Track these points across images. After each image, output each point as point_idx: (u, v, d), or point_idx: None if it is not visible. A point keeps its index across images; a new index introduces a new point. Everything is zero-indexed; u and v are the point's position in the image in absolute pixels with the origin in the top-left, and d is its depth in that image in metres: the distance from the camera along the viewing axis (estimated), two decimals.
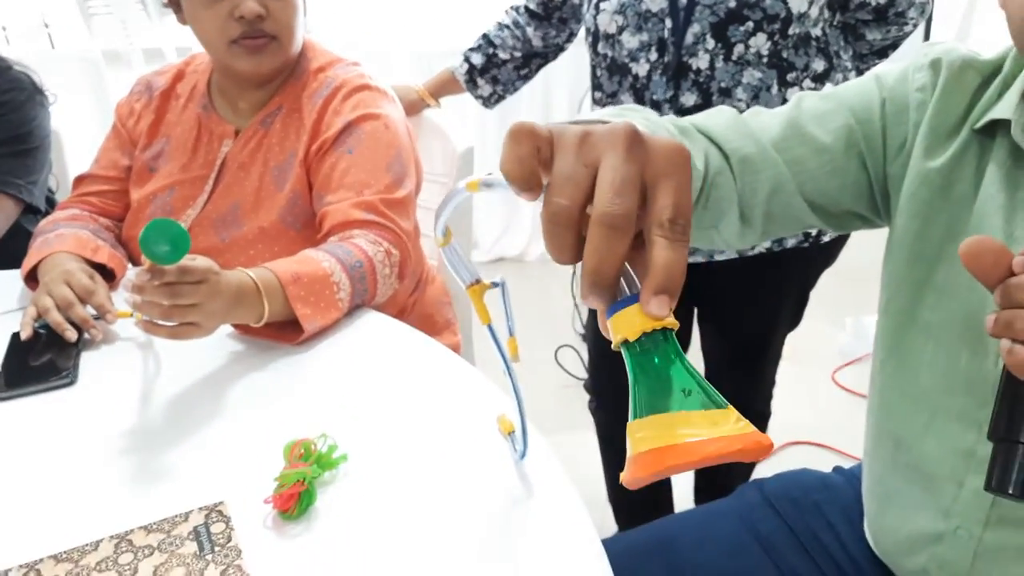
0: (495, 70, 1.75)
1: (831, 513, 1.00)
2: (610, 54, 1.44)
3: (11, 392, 1.01)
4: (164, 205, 1.35)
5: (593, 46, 1.48)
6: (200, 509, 0.77)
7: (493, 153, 3.21)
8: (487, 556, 0.72)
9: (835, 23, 1.40)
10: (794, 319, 1.66)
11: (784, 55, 1.35)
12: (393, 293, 1.26)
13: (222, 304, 0.98)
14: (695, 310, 1.67)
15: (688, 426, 0.39)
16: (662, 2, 1.34)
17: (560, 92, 3.17)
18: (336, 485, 0.81)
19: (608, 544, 0.95)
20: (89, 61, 2.66)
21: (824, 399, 2.53)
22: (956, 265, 0.56)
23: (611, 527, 1.90)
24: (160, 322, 0.96)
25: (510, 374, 0.73)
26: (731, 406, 0.40)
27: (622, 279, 0.42)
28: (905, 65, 0.82)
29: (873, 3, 1.38)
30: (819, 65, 1.39)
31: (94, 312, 1.14)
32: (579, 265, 0.41)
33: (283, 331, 1.08)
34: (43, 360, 1.07)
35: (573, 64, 2.62)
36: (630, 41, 1.39)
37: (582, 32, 1.56)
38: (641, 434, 0.40)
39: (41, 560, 0.72)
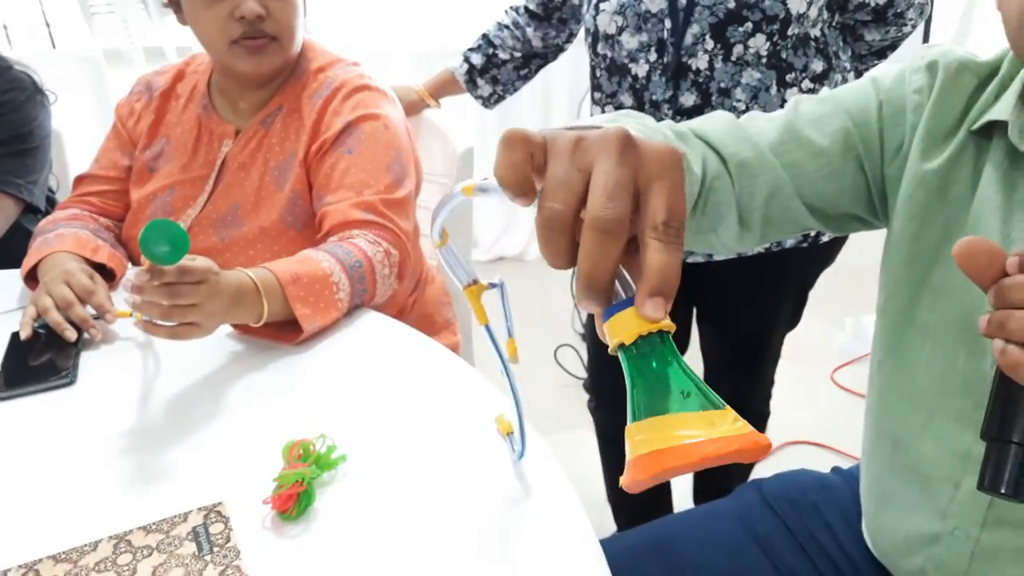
0: (495, 70, 1.75)
1: (829, 514, 1.00)
2: (610, 55, 1.44)
3: (11, 392, 1.01)
4: (164, 205, 1.35)
5: (592, 47, 1.48)
6: (199, 509, 0.78)
7: (493, 154, 3.20)
8: (485, 556, 0.72)
9: (834, 24, 1.41)
10: (793, 319, 1.66)
11: (783, 56, 1.35)
12: (392, 293, 1.26)
13: (221, 304, 0.98)
14: (694, 310, 1.67)
15: (686, 427, 0.39)
16: (661, 3, 1.34)
17: (560, 92, 3.17)
18: (335, 486, 0.81)
19: (607, 544, 0.95)
20: (90, 61, 2.66)
21: (823, 399, 2.53)
22: (953, 266, 0.56)
23: (610, 527, 1.91)
24: (160, 322, 0.96)
25: (508, 375, 0.73)
26: (729, 407, 0.40)
27: (617, 283, 0.42)
28: (902, 67, 0.82)
29: (872, 4, 1.38)
30: (818, 66, 1.39)
31: (94, 312, 1.14)
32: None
33: (282, 331, 1.08)
34: (43, 360, 1.07)
35: (573, 64, 2.62)
36: (629, 42, 1.40)
37: (582, 32, 1.56)
38: (640, 437, 0.40)
39: (40, 560, 0.72)
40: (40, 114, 1.55)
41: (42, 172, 1.57)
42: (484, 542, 0.74)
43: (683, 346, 1.69)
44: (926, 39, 2.56)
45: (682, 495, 1.90)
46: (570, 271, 0.43)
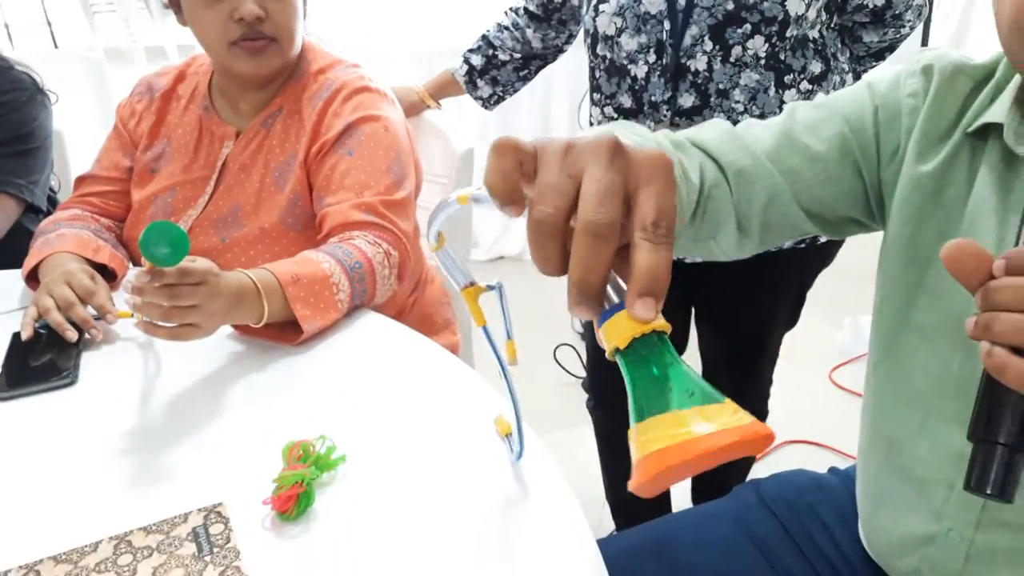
0: (494, 71, 1.75)
1: (826, 514, 1.00)
2: (609, 56, 1.44)
3: (12, 392, 1.01)
4: (165, 206, 1.35)
5: (592, 48, 1.49)
6: (199, 510, 0.78)
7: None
8: (484, 557, 0.73)
9: (832, 25, 1.41)
10: (791, 319, 1.67)
11: (782, 57, 1.35)
12: (392, 294, 1.26)
13: (222, 305, 0.99)
14: (692, 310, 1.68)
15: (688, 424, 0.39)
16: (660, 4, 1.34)
17: (559, 93, 3.18)
18: (334, 486, 0.82)
19: (604, 544, 0.95)
20: (91, 60, 2.66)
21: (822, 398, 2.54)
22: None
23: (609, 526, 1.91)
24: (160, 323, 0.96)
25: (506, 376, 0.73)
26: (729, 399, 0.40)
27: (611, 288, 0.43)
28: (897, 72, 0.83)
29: (870, 6, 1.38)
30: (816, 67, 1.39)
31: (95, 312, 1.14)
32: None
33: (282, 332, 1.09)
34: (44, 360, 1.08)
35: (572, 65, 2.63)
36: (629, 43, 1.40)
37: (581, 34, 1.57)
38: (643, 438, 0.40)
39: (41, 561, 0.72)
40: (41, 114, 1.56)
41: (43, 172, 1.58)
42: (482, 543, 0.75)
43: (682, 346, 1.69)
44: (925, 40, 2.56)
45: (681, 495, 1.91)
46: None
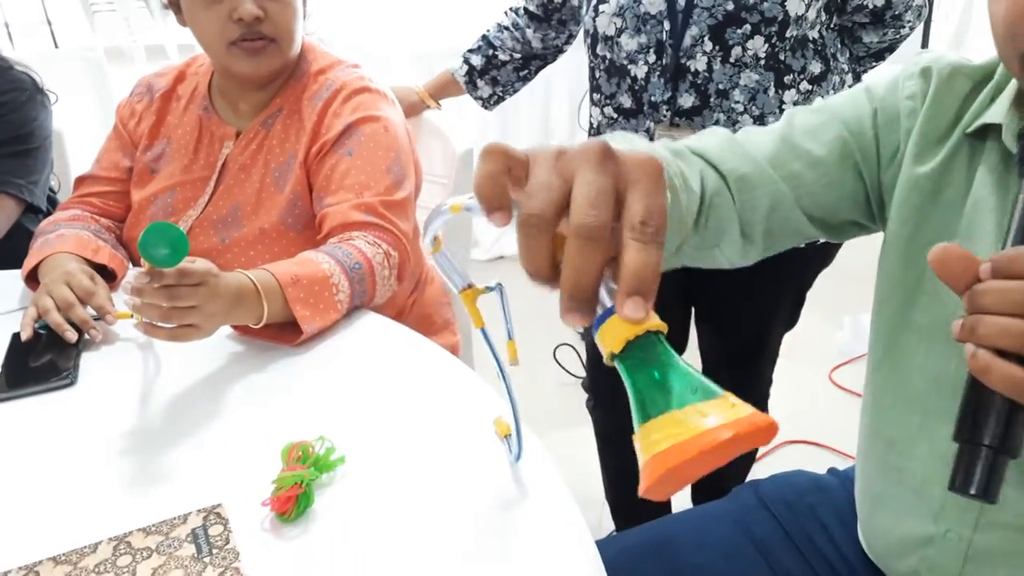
0: (494, 71, 1.75)
1: (825, 515, 1.00)
2: (609, 56, 1.44)
3: (11, 393, 1.02)
4: (165, 206, 1.35)
5: (592, 48, 1.49)
6: (198, 511, 0.78)
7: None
8: (482, 558, 0.73)
9: (832, 26, 1.41)
10: (791, 319, 1.67)
11: (781, 57, 1.35)
12: (392, 294, 1.26)
13: (221, 306, 0.99)
14: (692, 310, 1.68)
15: (689, 422, 0.39)
16: (660, 5, 1.34)
17: (559, 93, 3.17)
18: (334, 487, 0.82)
19: (604, 545, 0.95)
20: (91, 60, 2.66)
21: (821, 398, 2.54)
22: None
23: (608, 526, 1.91)
24: (159, 324, 0.96)
25: (504, 378, 0.73)
26: (727, 393, 0.40)
27: (604, 293, 0.43)
28: (895, 75, 0.83)
29: (870, 6, 1.38)
30: (816, 67, 1.39)
31: (94, 313, 1.14)
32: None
33: (282, 332, 1.09)
34: (43, 361, 1.08)
35: (572, 66, 2.62)
36: (628, 43, 1.40)
37: (581, 34, 1.57)
38: (646, 440, 0.40)
39: (40, 562, 0.73)
40: (41, 114, 1.56)
41: (43, 172, 1.58)
42: (481, 544, 0.75)
43: (682, 346, 1.69)
44: (925, 40, 2.56)
45: (681, 495, 1.90)
46: None
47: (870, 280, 0.88)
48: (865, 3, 1.38)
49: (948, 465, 0.78)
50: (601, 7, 1.41)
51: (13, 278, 1.29)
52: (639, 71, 1.41)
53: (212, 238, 1.31)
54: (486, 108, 1.84)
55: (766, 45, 1.32)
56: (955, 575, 0.81)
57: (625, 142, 0.76)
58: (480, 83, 1.77)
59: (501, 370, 0.72)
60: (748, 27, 1.31)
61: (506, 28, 1.71)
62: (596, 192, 0.41)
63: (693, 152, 0.83)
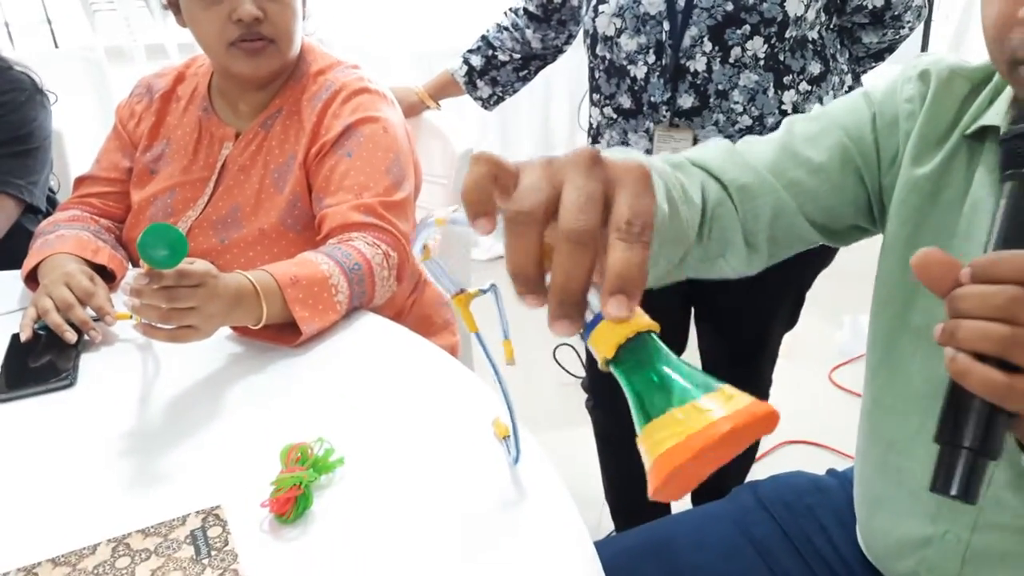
0: (494, 72, 1.75)
1: (824, 516, 1.00)
2: (608, 56, 1.44)
3: (10, 394, 1.02)
4: (165, 207, 1.35)
5: (591, 48, 1.49)
6: (197, 513, 0.78)
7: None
8: (481, 559, 0.73)
9: (832, 26, 1.41)
10: (791, 319, 1.67)
11: (781, 58, 1.35)
12: (391, 295, 1.26)
13: (220, 307, 0.99)
14: (692, 310, 1.68)
15: (690, 419, 0.39)
16: (660, 5, 1.34)
17: (559, 94, 3.17)
18: (332, 489, 0.82)
19: (603, 546, 0.95)
20: (91, 60, 2.66)
21: (821, 398, 2.54)
22: None
23: (608, 526, 1.91)
24: (159, 325, 0.96)
25: (500, 381, 0.73)
26: (725, 385, 0.40)
27: (593, 300, 0.43)
28: (893, 79, 0.84)
29: (870, 7, 1.38)
30: (815, 68, 1.39)
31: (93, 314, 1.14)
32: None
33: (281, 333, 1.09)
34: (43, 362, 1.08)
35: (572, 66, 2.63)
36: (628, 44, 1.40)
37: (581, 34, 1.57)
38: (650, 442, 0.40)
39: (39, 564, 0.73)
40: (40, 115, 1.56)
41: (42, 173, 1.58)
42: (480, 545, 0.75)
43: (681, 346, 1.70)
44: (925, 40, 2.56)
45: None
46: None
47: (870, 280, 0.88)
48: (864, 4, 1.38)
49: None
50: (601, 7, 1.41)
51: (12, 279, 1.29)
52: (639, 71, 1.41)
53: (211, 239, 1.31)
54: (486, 108, 1.84)
55: (765, 46, 1.32)
56: None
57: (622, 154, 0.76)
58: (480, 83, 1.77)
59: (497, 374, 0.72)
60: (747, 28, 1.31)
61: (506, 28, 1.71)
62: (585, 197, 0.41)
63: (693, 164, 0.84)
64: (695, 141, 1.41)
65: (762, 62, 1.34)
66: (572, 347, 2.73)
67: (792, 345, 1.84)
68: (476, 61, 1.75)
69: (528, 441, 0.84)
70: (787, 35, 1.32)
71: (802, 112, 1.38)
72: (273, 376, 1.04)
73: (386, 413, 0.95)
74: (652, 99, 1.41)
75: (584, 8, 1.48)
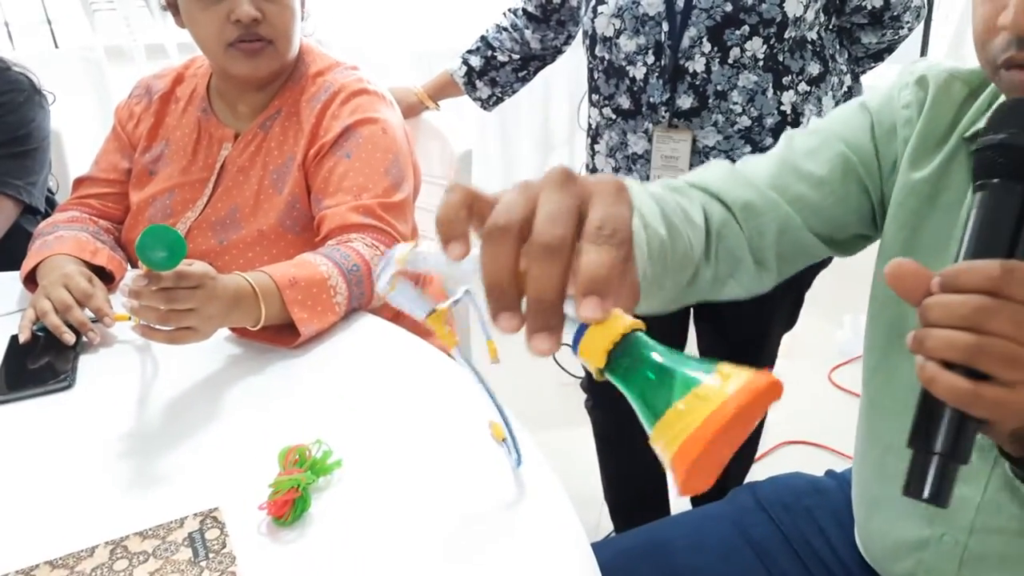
0: (493, 72, 1.75)
1: (822, 518, 1.00)
2: (607, 57, 1.44)
3: (9, 395, 1.01)
4: (164, 208, 1.35)
5: (591, 49, 1.49)
6: (195, 515, 0.78)
7: (492, 155, 3.21)
8: (479, 561, 0.73)
9: (831, 27, 1.41)
10: (790, 319, 1.67)
11: (780, 59, 1.35)
12: None
13: (219, 308, 0.99)
14: (691, 310, 1.68)
15: (696, 408, 0.39)
16: (659, 6, 1.34)
17: (559, 94, 3.17)
18: (330, 491, 0.82)
19: (601, 547, 0.95)
20: (91, 60, 2.66)
21: (821, 399, 2.54)
22: None
23: (608, 526, 1.91)
24: (157, 327, 0.96)
25: (487, 389, 0.73)
26: (720, 364, 0.41)
27: (571, 311, 0.43)
28: (889, 87, 0.84)
29: (869, 7, 1.38)
30: (814, 68, 1.39)
31: (92, 315, 1.14)
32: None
33: (280, 334, 1.09)
34: (41, 363, 1.08)
35: (572, 66, 2.62)
36: (627, 44, 1.40)
37: (580, 34, 1.57)
38: (663, 441, 0.40)
39: (37, 566, 0.73)
40: (38, 115, 1.56)
41: (41, 173, 1.58)
42: (477, 546, 0.75)
43: (681, 346, 1.69)
44: (925, 40, 2.56)
45: (678, 496, 1.90)
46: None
47: (870, 280, 0.88)
48: (864, 4, 1.38)
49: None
50: (600, 8, 1.41)
51: (11, 280, 1.29)
52: (638, 72, 1.41)
53: (210, 240, 1.31)
54: (485, 109, 1.84)
55: (764, 46, 1.32)
56: None
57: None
58: (479, 84, 1.77)
59: (485, 386, 0.72)
60: (746, 28, 1.31)
61: (505, 29, 1.71)
62: (556, 210, 0.42)
63: (693, 186, 0.85)
64: (694, 141, 1.41)
65: (761, 63, 1.34)
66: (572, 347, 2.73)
67: (792, 345, 1.84)
68: (475, 62, 1.75)
69: (526, 442, 0.84)
70: (786, 36, 1.32)
71: (801, 112, 1.39)
72: (271, 378, 1.04)
73: (384, 415, 0.95)
74: (651, 100, 1.41)
75: (583, 9, 1.48)
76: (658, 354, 0.42)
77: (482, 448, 0.87)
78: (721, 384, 0.39)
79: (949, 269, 0.52)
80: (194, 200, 1.35)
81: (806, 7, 1.31)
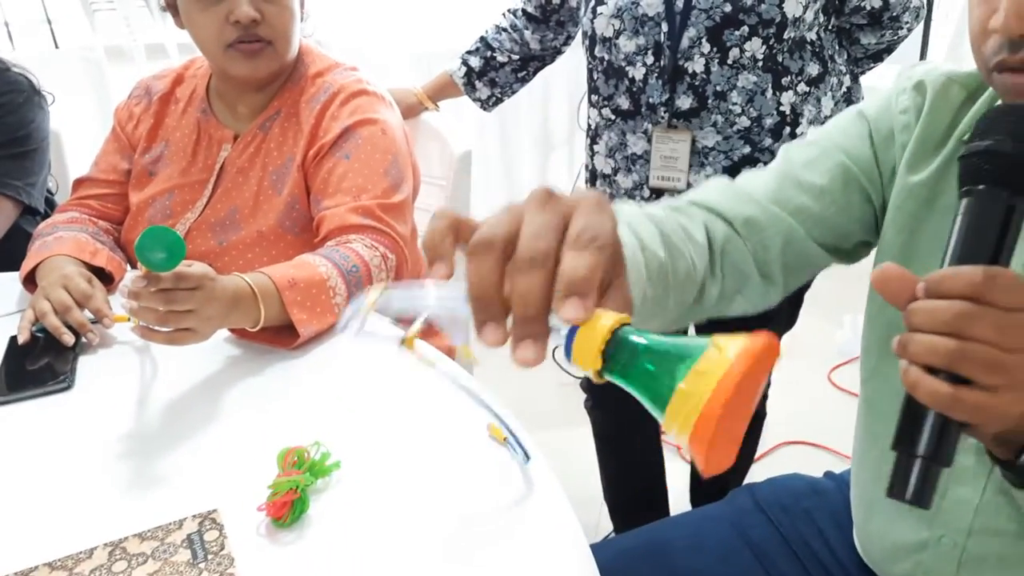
0: (493, 73, 1.75)
1: (821, 520, 1.00)
2: (607, 57, 1.44)
3: (8, 396, 1.02)
4: (163, 209, 1.35)
5: (590, 49, 1.49)
6: (194, 517, 0.78)
7: (491, 156, 3.21)
8: (478, 562, 0.73)
9: (830, 27, 1.41)
10: (789, 320, 1.67)
11: (779, 59, 1.35)
12: None
13: (218, 309, 0.99)
14: None
15: (698, 387, 0.39)
16: (658, 6, 1.35)
17: (558, 95, 3.17)
18: (329, 492, 0.82)
19: (600, 549, 0.95)
20: (91, 60, 2.66)
21: (820, 399, 2.54)
22: None
23: (607, 526, 1.91)
24: (156, 328, 0.96)
25: (484, 403, 0.74)
26: (713, 338, 0.41)
27: (556, 322, 0.43)
28: (886, 94, 0.85)
29: (868, 8, 1.38)
30: (814, 69, 1.39)
31: (91, 316, 1.14)
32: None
33: (279, 336, 1.09)
34: (40, 364, 1.08)
35: (571, 67, 2.62)
36: (627, 45, 1.40)
37: (580, 35, 1.57)
38: (675, 425, 0.40)
39: (36, 568, 0.73)
40: (38, 116, 1.56)
41: (40, 174, 1.58)
42: (476, 548, 0.75)
43: None
44: (924, 40, 2.56)
45: (678, 496, 1.90)
46: None
47: (869, 281, 0.88)
48: (863, 4, 1.38)
49: (942, 473, 0.78)
50: (599, 8, 1.41)
51: (11, 280, 1.29)
52: (637, 72, 1.41)
53: (210, 241, 1.31)
54: (484, 109, 1.84)
55: (764, 47, 1.32)
56: None
57: (621, 209, 0.78)
58: (478, 84, 1.77)
59: (479, 399, 0.72)
60: (746, 29, 1.31)
61: (504, 30, 1.71)
62: (539, 226, 0.43)
63: (694, 204, 0.85)
64: (693, 142, 1.41)
65: (760, 63, 1.34)
66: None
67: (791, 345, 1.84)
68: (475, 62, 1.75)
69: (526, 441, 0.84)
70: (785, 36, 1.32)
71: (800, 113, 1.39)
72: (270, 379, 1.04)
73: (383, 416, 0.95)
74: (650, 100, 1.41)
75: (583, 9, 1.48)
76: (651, 343, 0.42)
77: (481, 449, 0.87)
78: (719, 356, 0.39)
79: (933, 275, 0.53)
80: (193, 201, 1.35)
81: (805, 7, 1.31)
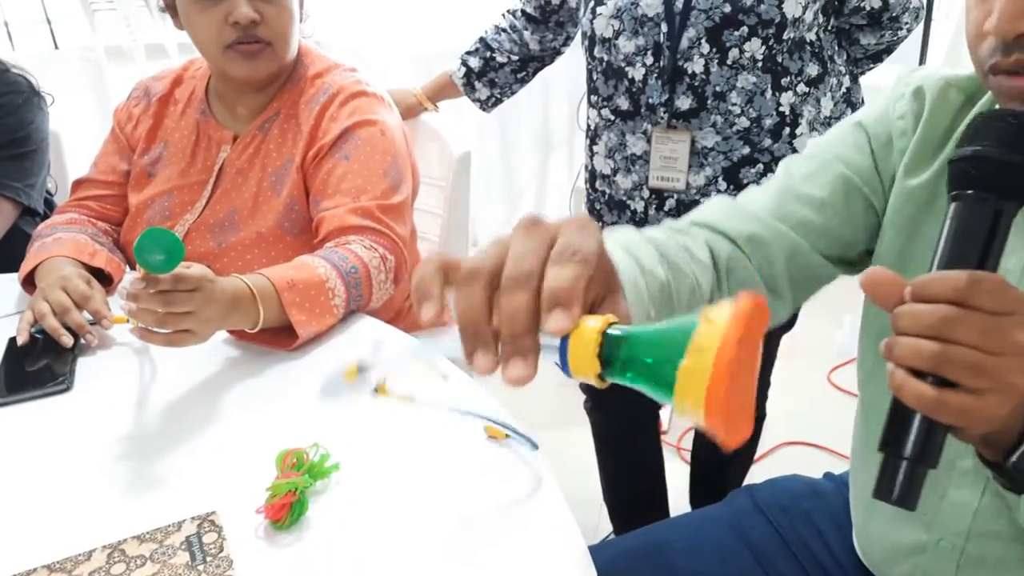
0: (492, 73, 1.75)
1: (820, 521, 1.00)
2: (606, 58, 1.44)
3: (7, 398, 1.01)
4: (162, 210, 1.35)
5: (589, 50, 1.49)
6: (192, 519, 0.78)
7: (491, 157, 3.21)
8: (477, 562, 0.73)
9: (830, 28, 1.41)
10: (789, 320, 1.66)
11: (779, 59, 1.35)
12: (388, 297, 1.26)
13: (217, 311, 0.99)
14: None
15: (699, 364, 0.39)
16: (658, 7, 1.34)
17: (558, 95, 3.17)
18: (328, 494, 0.82)
19: (599, 550, 0.95)
20: (90, 61, 2.66)
21: (820, 400, 2.54)
22: None
23: (607, 527, 1.91)
24: (155, 329, 0.96)
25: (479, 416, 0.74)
26: (703, 311, 0.41)
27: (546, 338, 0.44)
28: (884, 102, 0.85)
29: (867, 8, 1.38)
30: (813, 70, 1.39)
31: (90, 318, 1.14)
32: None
33: (278, 337, 1.09)
34: (39, 365, 1.08)
35: (571, 67, 2.62)
36: (626, 45, 1.40)
37: (579, 35, 1.57)
38: (686, 405, 0.40)
39: (34, 570, 0.73)
40: (37, 117, 1.55)
41: (40, 175, 1.58)
42: (476, 548, 0.75)
43: None
44: (924, 40, 2.55)
45: (678, 497, 1.90)
46: None
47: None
48: (862, 5, 1.38)
49: (941, 474, 0.78)
50: (599, 9, 1.41)
51: (10, 282, 1.29)
52: (636, 73, 1.41)
53: (209, 242, 1.31)
54: (484, 110, 1.84)
55: (763, 47, 1.32)
56: None
57: (619, 233, 0.78)
58: (478, 85, 1.77)
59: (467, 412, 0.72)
60: (745, 29, 1.30)
61: (504, 30, 1.71)
62: (523, 250, 0.44)
63: (696, 224, 0.86)
64: (693, 142, 1.41)
65: (760, 64, 1.34)
66: None
67: (791, 345, 1.83)
68: (474, 63, 1.75)
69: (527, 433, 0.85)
70: (785, 37, 1.32)
71: (800, 114, 1.39)
72: (269, 380, 1.04)
73: (381, 418, 0.95)
74: (650, 101, 1.41)
75: (582, 10, 1.48)
76: (643, 334, 0.43)
77: (480, 450, 0.87)
78: (710, 327, 0.40)
79: (920, 279, 0.53)
80: (192, 202, 1.35)
81: (805, 8, 1.31)
